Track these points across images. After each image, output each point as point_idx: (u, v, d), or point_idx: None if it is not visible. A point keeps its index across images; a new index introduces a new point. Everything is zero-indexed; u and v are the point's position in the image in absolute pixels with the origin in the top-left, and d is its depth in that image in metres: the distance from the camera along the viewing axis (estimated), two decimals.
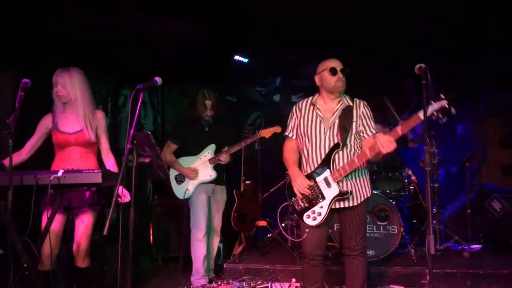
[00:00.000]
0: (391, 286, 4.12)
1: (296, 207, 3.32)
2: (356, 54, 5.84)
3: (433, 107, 2.90)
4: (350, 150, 3.26)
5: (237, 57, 6.36)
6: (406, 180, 5.07)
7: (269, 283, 4.42)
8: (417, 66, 2.68)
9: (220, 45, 5.69)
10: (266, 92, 6.89)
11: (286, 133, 3.50)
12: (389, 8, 5.16)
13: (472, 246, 4.94)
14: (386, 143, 2.94)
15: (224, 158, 4.46)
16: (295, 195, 3.31)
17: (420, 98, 6.23)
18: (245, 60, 6.40)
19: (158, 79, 3.06)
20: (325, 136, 3.27)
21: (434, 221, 4.91)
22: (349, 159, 3.23)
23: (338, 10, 5.18)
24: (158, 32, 5.05)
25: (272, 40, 5.91)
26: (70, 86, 3.49)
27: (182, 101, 6.02)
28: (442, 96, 2.88)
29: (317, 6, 5.08)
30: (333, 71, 3.25)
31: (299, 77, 6.64)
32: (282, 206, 5.35)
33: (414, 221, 5.30)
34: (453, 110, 2.90)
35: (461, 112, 6.13)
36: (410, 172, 5.22)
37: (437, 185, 5.11)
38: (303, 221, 3.27)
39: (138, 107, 2.89)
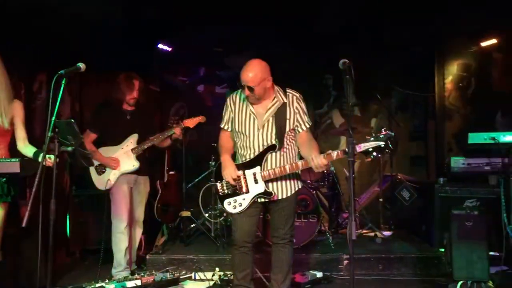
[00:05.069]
0: (311, 271, 4.30)
1: (220, 191, 3.41)
2: (279, 47, 6.00)
3: (370, 144, 3.02)
4: (283, 150, 3.36)
5: (161, 46, 6.24)
6: (325, 171, 5.28)
7: (193, 273, 4.44)
8: (341, 61, 2.73)
9: (144, 33, 5.54)
10: (189, 82, 6.83)
11: (222, 126, 3.54)
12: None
13: (383, 233, 5.28)
14: (320, 166, 3.14)
15: (178, 131, 4.41)
16: (222, 180, 3.39)
17: (338, 92, 6.58)
18: (169, 49, 6.31)
19: (82, 65, 2.94)
20: (259, 132, 3.35)
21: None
22: (282, 159, 3.34)
23: (261, 3, 5.26)
24: (76, 16, 4.79)
25: (197, 30, 5.87)
26: None
27: (102, 89, 5.76)
28: (383, 132, 3.02)
29: None
30: None
31: (223, 68, 6.66)
32: (204, 187, 5.45)
33: (332, 210, 5.55)
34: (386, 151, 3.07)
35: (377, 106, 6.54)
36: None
37: (354, 175, 5.37)
38: (223, 205, 3.40)
39: (60, 94, 2.76)
